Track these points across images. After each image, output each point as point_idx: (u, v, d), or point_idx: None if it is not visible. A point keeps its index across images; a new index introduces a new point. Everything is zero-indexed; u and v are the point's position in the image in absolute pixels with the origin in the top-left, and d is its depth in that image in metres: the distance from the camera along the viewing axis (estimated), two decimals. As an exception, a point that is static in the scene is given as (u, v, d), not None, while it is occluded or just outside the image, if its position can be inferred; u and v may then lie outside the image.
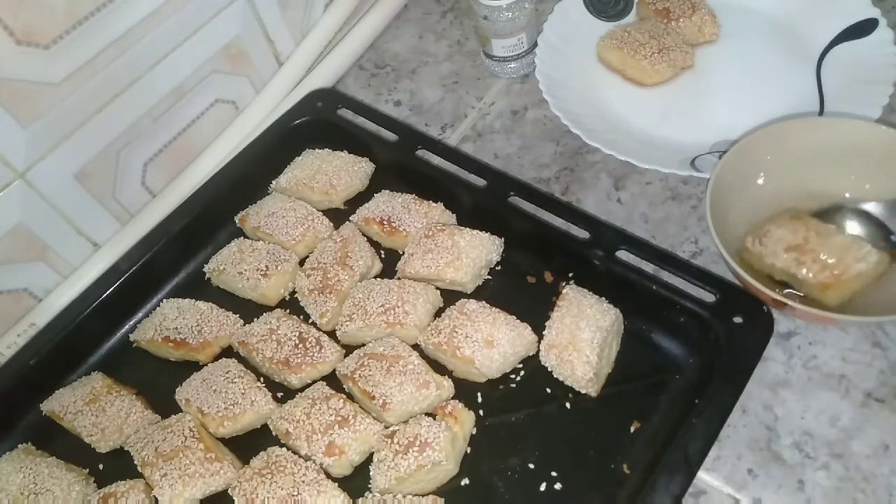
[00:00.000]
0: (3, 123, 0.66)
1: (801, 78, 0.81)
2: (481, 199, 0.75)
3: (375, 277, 0.74)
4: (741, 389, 0.58)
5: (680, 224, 0.75)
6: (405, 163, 0.80)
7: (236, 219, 0.81)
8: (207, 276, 0.77)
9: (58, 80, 0.68)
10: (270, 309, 0.74)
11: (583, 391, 0.63)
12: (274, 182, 0.83)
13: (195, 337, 0.70)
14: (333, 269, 0.72)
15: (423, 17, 1.01)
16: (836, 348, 0.65)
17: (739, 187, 0.68)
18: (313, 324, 0.71)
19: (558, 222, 0.72)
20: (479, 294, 0.72)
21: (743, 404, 0.62)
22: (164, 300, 0.75)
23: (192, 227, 0.79)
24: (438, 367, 0.67)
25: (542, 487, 0.60)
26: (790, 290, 0.64)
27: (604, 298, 0.65)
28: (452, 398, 0.65)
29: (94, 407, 0.67)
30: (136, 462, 0.64)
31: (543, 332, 0.65)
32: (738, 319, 0.61)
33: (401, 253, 0.74)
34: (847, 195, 0.68)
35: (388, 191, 0.78)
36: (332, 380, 0.68)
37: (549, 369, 0.65)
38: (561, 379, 0.64)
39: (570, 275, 0.70)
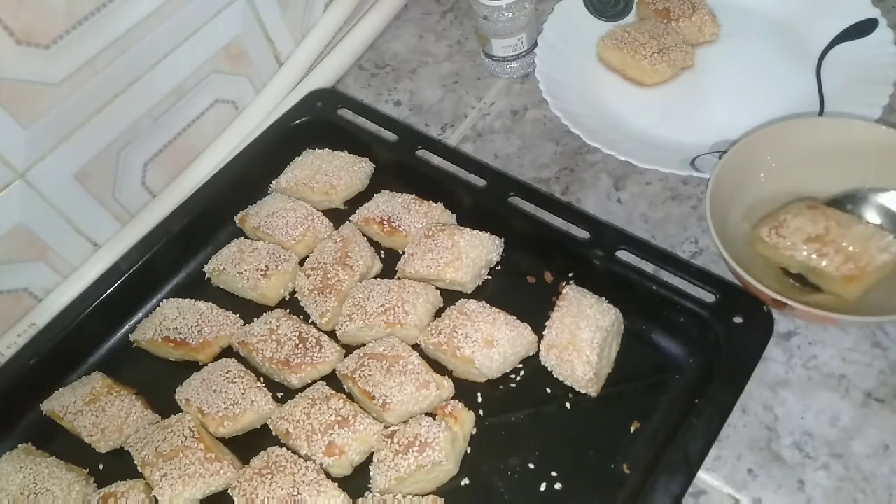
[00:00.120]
0: (3, 123, 0.66)
1: (801, 78, 0.81)
2: (481, 199, 0.75)
3: (375, 277, 0.74)
4: (741, 389, 0.58)
5: (680, 224, 0.75)
6: (405, 163, 0.80)
7: (236, 219, 0.81)
8: (207, 276, 0.77)
9: (58, 80, 0.68)
10: (270, 309, 0.74)
11: (583, 391, 0.63)
12: (274, 182, 0.83)
13: (195, 337, 0.70)
14: (333, 269, 0.72)
15: (423, 17, 1.01)
16: (836, 348, 0.64)
17: (739, 187, 0.68)
18: (313, 324, 0.71)
19: (558, 222, 0.72)
20: (479, 294, 0.72)
21: (743, 404, 0.62)
22: (164, 300, 0.75)
23: (192, 227, 0.79)
24: (438, 367, 0.67)
25: (542, 487, 0.60)
26: (795, 284, 0.63)
27: (604, 298, 0.65)
28: (452, 398, 0.65)
29: (94, 407, 0.67)
30: (136, 462, 0.64)
31: (543, 332, 0.65)
32: (738, 319, 0.61)
33: (401, 253, 0.74)
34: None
35: (388, 191, 0.78)
36: (332, 380, 0.68)
37: (549, 369, 0.65)
38: (561, 379, 0.64)
39: (570, 275, 0.70)
